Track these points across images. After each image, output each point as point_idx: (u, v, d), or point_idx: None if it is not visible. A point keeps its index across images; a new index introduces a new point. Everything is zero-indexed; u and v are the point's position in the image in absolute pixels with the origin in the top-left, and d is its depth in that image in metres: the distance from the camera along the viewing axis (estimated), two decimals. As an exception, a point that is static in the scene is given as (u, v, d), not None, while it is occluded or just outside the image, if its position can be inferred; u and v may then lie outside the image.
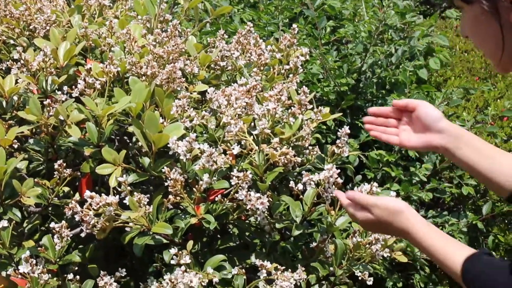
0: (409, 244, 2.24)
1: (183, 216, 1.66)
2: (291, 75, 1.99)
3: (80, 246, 1.82)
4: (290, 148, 1.69)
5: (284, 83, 1.88)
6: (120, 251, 1.98)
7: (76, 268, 1.79)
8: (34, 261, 1.52)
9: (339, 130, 1.81)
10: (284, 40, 2.14)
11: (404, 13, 3.00)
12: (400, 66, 3.02)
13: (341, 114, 2.17)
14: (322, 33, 3.11)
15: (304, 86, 1.82)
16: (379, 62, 3.02)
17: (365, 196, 1.36)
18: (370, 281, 1.78)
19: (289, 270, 1.56)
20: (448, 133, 1.38)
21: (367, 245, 1.79)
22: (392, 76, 3.02)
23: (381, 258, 1.81)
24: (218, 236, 1.87)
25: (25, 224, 1.75)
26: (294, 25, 2.18)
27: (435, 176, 2.79)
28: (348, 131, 1.81)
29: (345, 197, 1.38)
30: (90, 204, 1.49)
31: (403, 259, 1.94)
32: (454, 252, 1.22)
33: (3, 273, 1.61)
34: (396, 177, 2.75)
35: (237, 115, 1.67)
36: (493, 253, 1.23)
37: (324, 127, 2.82)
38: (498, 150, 1.42)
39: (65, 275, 1.64)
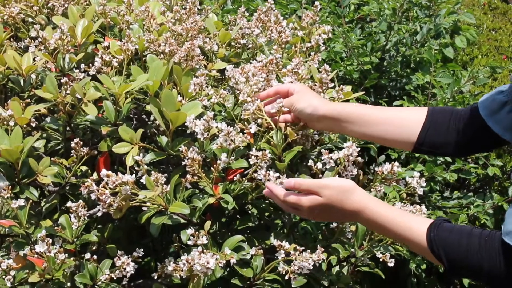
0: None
1: (201, 196, 1.63)
2: (313, 53, 1.95)
3: (99, 226, 1.81)
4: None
5: (306, 61, 1.84)
6: (142, 231, 1.96)
7: (96, 248, 1.78)
8: (51, 241, 1.51)
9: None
10: (306, 17, 2.10)
11: (430, -10, 2.94)
12: (425, 44, 2.97)
13: (363, 93, 2.13)
14: (346, 10, 3.06)
15: (325, 64, 1.78)
16: (404, 40, 2.96)
17: (310, 180, 1.35)
18: (391, 263, 1.75)
19: (309, 251, 1.53)
20: (327, 120, 1.48)
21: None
22: (417, 54, 2.96)
23: (404, 239, 1.77)
24: (237, 216, 1.84)
25: (43, 204, 1.74)
26: (317, 2, 2.13)
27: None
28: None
29: (285, 185, 1.36)
30: (107, 183, 1.48)
31: (426, 240, 1.90)
32: (416, 222, 1.24)
33: (21, 253, 1.60)
34: (420, 158, 2.70)
35: (253, 92, 1.63)
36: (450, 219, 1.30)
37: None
38: (387, 109, 1.49)
39: (83, 255, 1.63)
